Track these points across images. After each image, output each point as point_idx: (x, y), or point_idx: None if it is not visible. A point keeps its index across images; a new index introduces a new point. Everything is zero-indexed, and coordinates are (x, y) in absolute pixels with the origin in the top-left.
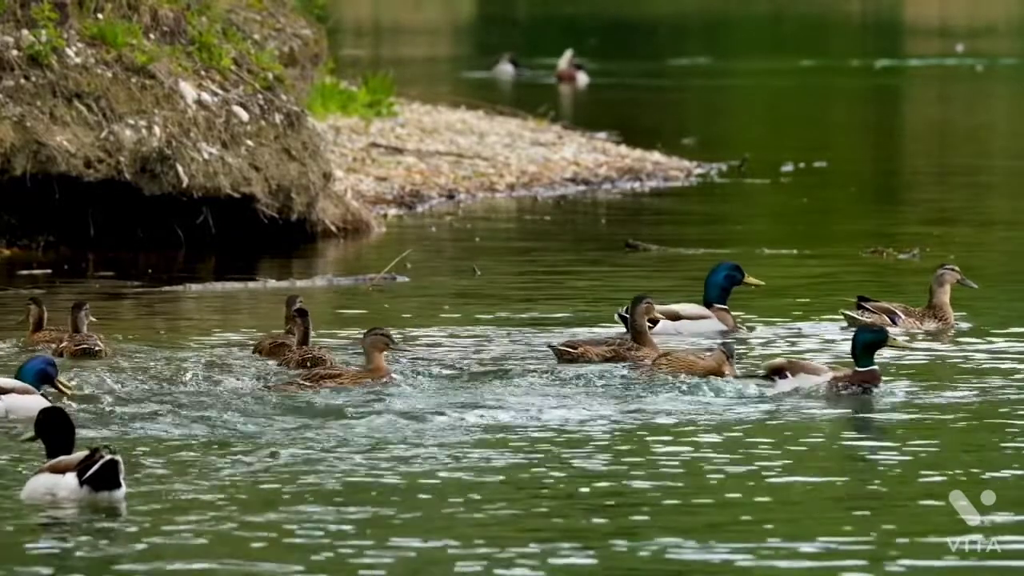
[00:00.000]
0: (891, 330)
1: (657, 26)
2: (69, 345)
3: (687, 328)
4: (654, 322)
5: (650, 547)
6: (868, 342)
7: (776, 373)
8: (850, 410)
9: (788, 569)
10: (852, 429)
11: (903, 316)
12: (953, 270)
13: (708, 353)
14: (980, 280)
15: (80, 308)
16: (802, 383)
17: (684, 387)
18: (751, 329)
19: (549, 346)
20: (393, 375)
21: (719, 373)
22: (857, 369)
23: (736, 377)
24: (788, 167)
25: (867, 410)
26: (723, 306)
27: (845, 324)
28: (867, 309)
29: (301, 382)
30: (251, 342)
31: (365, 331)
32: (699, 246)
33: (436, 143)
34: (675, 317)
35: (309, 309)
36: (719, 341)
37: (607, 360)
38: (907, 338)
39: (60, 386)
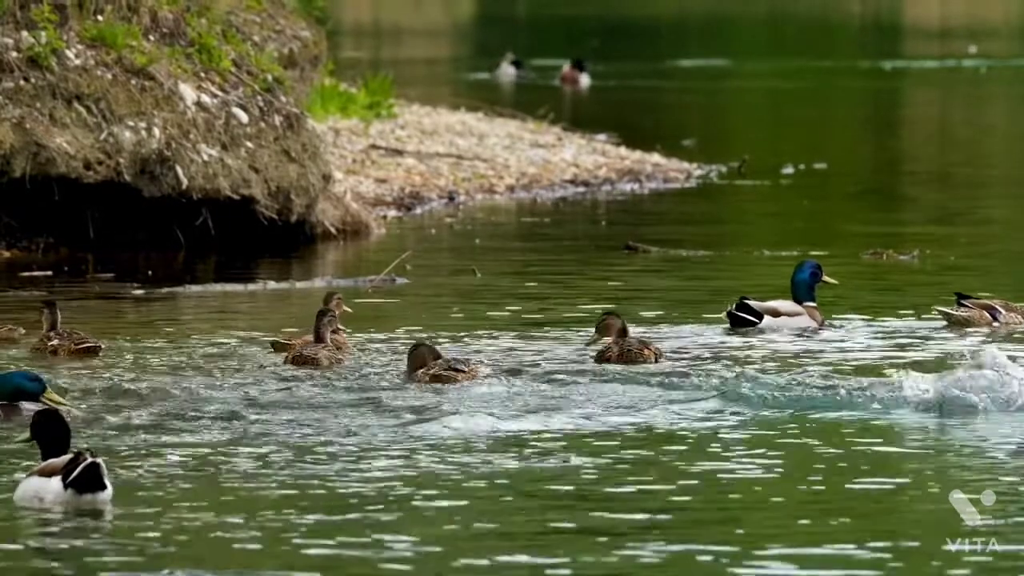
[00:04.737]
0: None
1: (659, 27)
2: (69, 344)
3: (786, 324)
4: (759, 318)
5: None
6: None
7: None
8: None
9: (785, 571)
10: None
11: (1003, 311)
12: None
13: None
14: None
15: (55, 305)
16: None
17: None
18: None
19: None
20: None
21: None
22: None
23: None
24: (788, 169)
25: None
26: (812, 303)
27: (944, 323)
28: (966, 306)
29: (460, 368)
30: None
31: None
32: (699, 248)
33: (436, 145)
34: (775, 314)
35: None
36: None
37: (657, 360)
38: None
39: (50, 402)
